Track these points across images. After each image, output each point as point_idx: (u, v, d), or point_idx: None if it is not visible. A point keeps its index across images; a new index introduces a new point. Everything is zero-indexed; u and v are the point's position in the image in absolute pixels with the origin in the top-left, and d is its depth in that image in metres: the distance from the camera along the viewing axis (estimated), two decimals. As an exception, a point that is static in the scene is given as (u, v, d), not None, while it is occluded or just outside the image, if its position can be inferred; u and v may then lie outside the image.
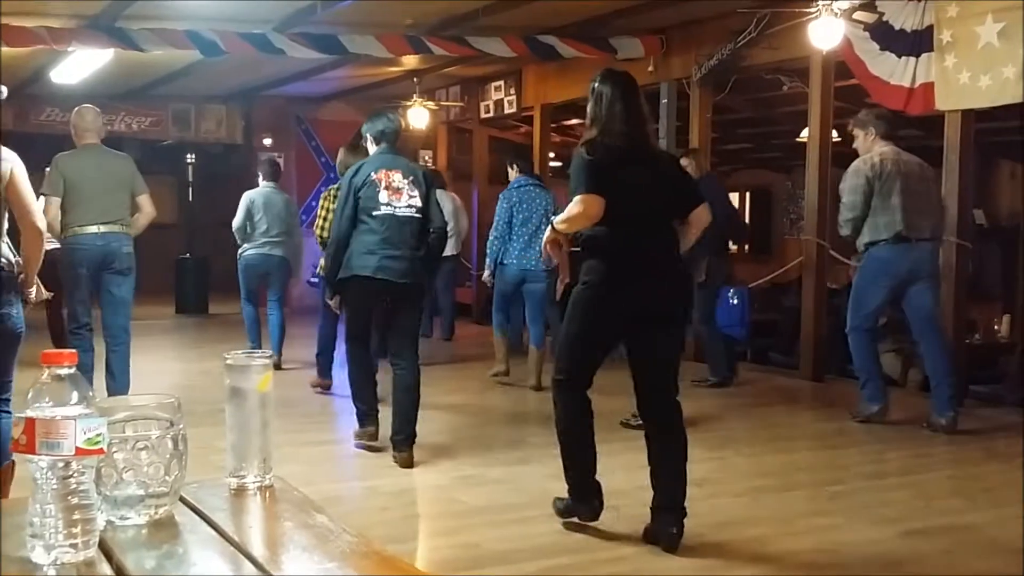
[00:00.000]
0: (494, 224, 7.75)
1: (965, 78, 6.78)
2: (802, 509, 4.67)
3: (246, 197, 8.75)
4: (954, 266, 7.11)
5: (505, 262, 7.66)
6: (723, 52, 8.65)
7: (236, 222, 8.72)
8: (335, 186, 6.93)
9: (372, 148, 5.70)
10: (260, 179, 8.90)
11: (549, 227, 4.21)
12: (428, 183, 5.65)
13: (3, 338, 4.06)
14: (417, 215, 5.48)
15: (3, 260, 4.03)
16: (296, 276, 9.03)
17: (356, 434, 5.72)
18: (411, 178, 5.51)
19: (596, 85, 4.19)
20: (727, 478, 5.18)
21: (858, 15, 7.36)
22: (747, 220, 17.40)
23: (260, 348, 8.54)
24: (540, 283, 7.64)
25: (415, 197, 5.47)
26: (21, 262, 4.15)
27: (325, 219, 6.76)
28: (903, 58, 7.19)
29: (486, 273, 7.94)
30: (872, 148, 6.40)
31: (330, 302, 5.94)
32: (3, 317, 4.03)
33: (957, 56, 6.82)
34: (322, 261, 7.07)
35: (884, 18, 7.33)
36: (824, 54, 7.75)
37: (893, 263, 6.31)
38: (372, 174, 5.43)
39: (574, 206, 3.98)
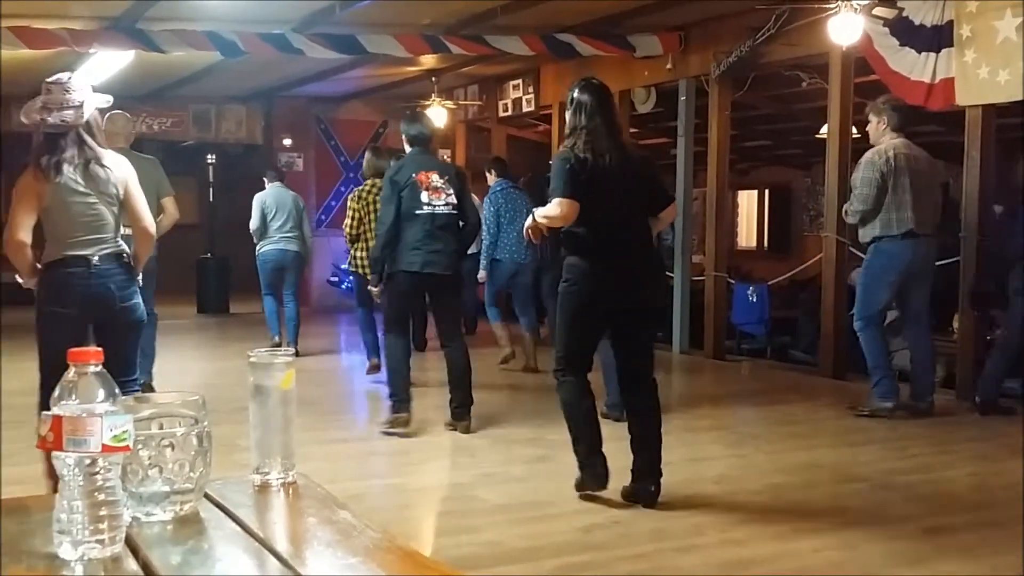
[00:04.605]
0: (484, 227, 8.13)
1: (985, 73, 6.75)
2: (823, 506, 4.65)
3: (258, 199, 9.14)
4: (976, 262, 7.06)
5: (499, 258, 8.25)
6: (742, 49, 8.62)
7: (252, 224, 9.08)
8: (360, 187, 7.46)
9: (407, 148, 6.12)
10: (267, 181, 9.33)
11: (530, 216, 4.56)
12: (462, 181, 6.09)
13: (132, 327, 4.30)
14: (454, 211, 5.93)
15: (126, 252, 4.31)
16: (309, 265, 9.34)
17: (388, 421, 5.97)
18: (446, 177, 5.96)
19: (576, 95, 4.49)
20: (747, 475, 5.17)
21: (877, 11, 7.33)
22: (766, 217, 17.40)
23: (280, 338, 8.91)
24: (527, 276, 8.36)
25: (451, 195, 5.91)
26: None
27: (352, 218, 7.36)
28: (923, 54, 7.16)
29: (481, 273, 8.44)
30: (883, 138, 6.46)
31: (373, 290, 6.43)
32: (132, 307, 4.26)
33: (976, 51, 6.79)
34: (350, 259, 7.59)
35: (904, 14, 7.30)
36: (844, 50, 7.71)
37: (902, 258, 6.40)
38: (413, 175, 5.86)
39: (553, 207, 4.34)
